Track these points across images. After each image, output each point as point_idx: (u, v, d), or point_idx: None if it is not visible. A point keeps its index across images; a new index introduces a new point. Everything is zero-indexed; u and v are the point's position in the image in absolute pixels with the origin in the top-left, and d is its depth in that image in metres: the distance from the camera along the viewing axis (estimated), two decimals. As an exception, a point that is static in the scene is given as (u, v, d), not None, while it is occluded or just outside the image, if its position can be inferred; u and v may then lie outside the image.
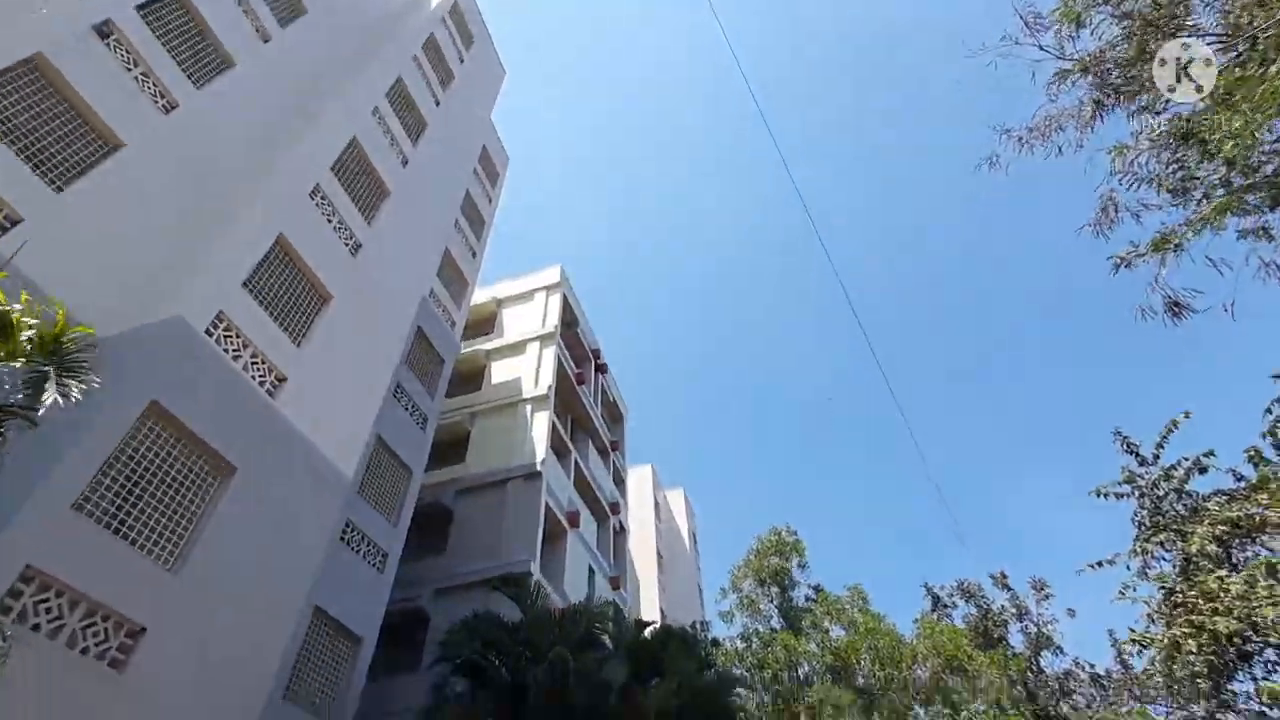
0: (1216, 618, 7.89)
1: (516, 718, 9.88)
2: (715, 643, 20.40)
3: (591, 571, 19.06)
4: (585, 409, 21.74)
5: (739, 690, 17.79)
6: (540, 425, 17.86)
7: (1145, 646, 8.86)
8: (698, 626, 20.28)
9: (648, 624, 13.09)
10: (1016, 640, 22.90)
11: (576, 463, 19.92)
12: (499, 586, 12.04)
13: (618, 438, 25.41)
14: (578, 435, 21.55)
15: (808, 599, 22.51)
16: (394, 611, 14.09)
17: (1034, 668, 22.34)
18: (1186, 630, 8.13)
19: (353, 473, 10.96)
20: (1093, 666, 22.20)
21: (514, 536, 15.57)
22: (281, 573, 9.41)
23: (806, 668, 20.31)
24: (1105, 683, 22.10)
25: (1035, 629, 22.94)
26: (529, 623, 11.00)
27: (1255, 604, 7.98)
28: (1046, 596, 23.31)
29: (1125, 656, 21.61)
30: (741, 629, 22.25)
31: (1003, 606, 23.41)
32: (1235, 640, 7.95)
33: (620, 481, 24.60)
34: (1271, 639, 7.39)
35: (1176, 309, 8.98)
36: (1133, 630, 9.13)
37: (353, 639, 11.07)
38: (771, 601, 22.63)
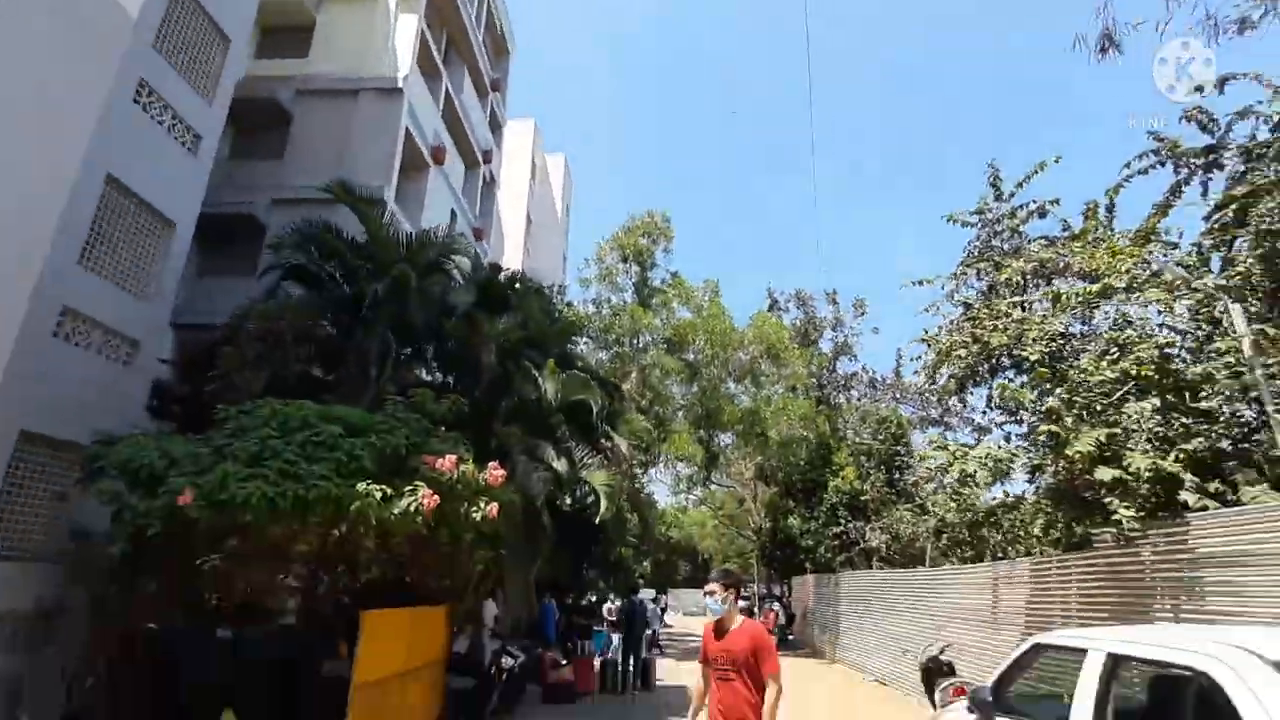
0: (993, 333, 9.15)
1: (353, 326, 9.91)
2: (569, 304, 21.51)
3: (454, 215, 18.29)
4: (464, 27, 18.37)
5: (582, 341, 19.46)
6: (406, 31, 14.90)
7: (929, 345, 10.30)
8: (555, 288, 21.07)
9: (503, 269, 13.13)
10: (826, 345, 26.86)
11: (448, 92, 17.48)
12: (343, 198, 10.97)
13: (500, 76, 22.42)
14: (452, 59, 18.55)
15: (663, 282, 23.97)
16: (225, 215, 12.92)
17: (831, 367, 26.73)
18: (966, 339, 9.44)
19: (137, 12, 8.47)
20: (873, 373, 27.01)
21: (365, 157, 13.98)
22: (46, 117, 7.60)
23: (647, 338, 22.53)
24: (877, 384, 27.19)
25: (843, 338, 26.87)
26: (374, 240, 10.43)
27: (1027, 326, 9.32)
28: (862, 314, 26.83)
29: (899, 366, 26.21)
30: (596, 296, 23.63)
31: (824, 317, 26.79)
32: (997, 353, 9.39)
33: (497, 129, 22.50)
34: (1025, 353, 8.78)
35: (1108, 42, 8.45)
36: (926, 332, 10.52)
37: (164, 221, 9.93)
38: (629, 278, 23.84)
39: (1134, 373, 7.97)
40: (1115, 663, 3.94)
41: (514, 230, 27.48)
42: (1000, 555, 12.00)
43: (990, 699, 4.78)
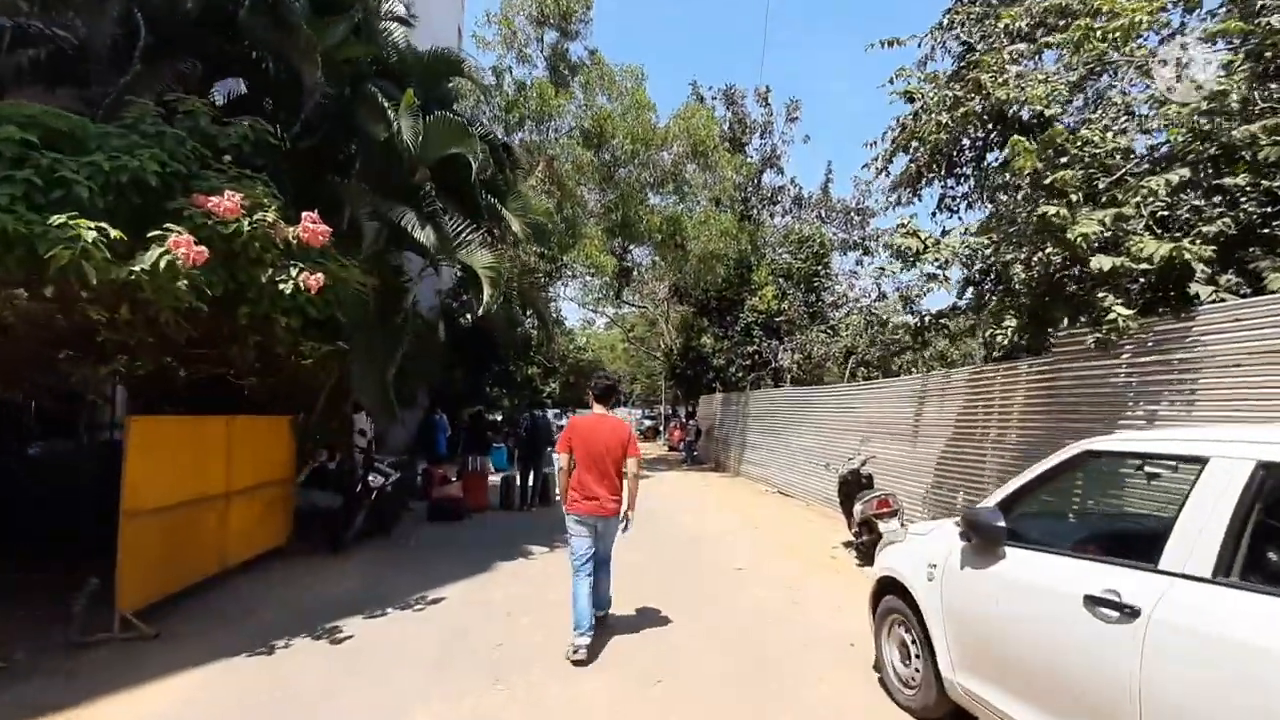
0: (997, 86, 7.15)
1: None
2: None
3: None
4: None
5: (475, 95, 15.87)
6: None
7: (911, 99, 8.21)
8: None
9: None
10: (754, 156, 24.31)
11: None
12: None
13: None
14: None
15: (581, 60, 19.93)
16: None
17: (756, 181, 24.47)
18: (962, 94, 7.40)
19: None
20: (801, 189, 25.10)
21: None
22: None
23: (559, 125, 19.04)
24: (803, 201, 25.45)
25: (771, 146, 24.35)
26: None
27: (1028, 83, 7.39)
28: (795, 119, 24.20)
29: (829, 181, 24.26)
30: (496, 62, 19.30)
31: (754, 120, 23.93)
32: (995, 113, 7.46)
33: None
34: (1039, 107, 6.92)
35: None
36: (909, 84, 8.32)
37: None
38: (542, 49, 19.55)
39: (1162, 140, 6.38)
40: (1268, 476, 2.48)
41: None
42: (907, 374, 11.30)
43: (1000, 523, 3.40)
